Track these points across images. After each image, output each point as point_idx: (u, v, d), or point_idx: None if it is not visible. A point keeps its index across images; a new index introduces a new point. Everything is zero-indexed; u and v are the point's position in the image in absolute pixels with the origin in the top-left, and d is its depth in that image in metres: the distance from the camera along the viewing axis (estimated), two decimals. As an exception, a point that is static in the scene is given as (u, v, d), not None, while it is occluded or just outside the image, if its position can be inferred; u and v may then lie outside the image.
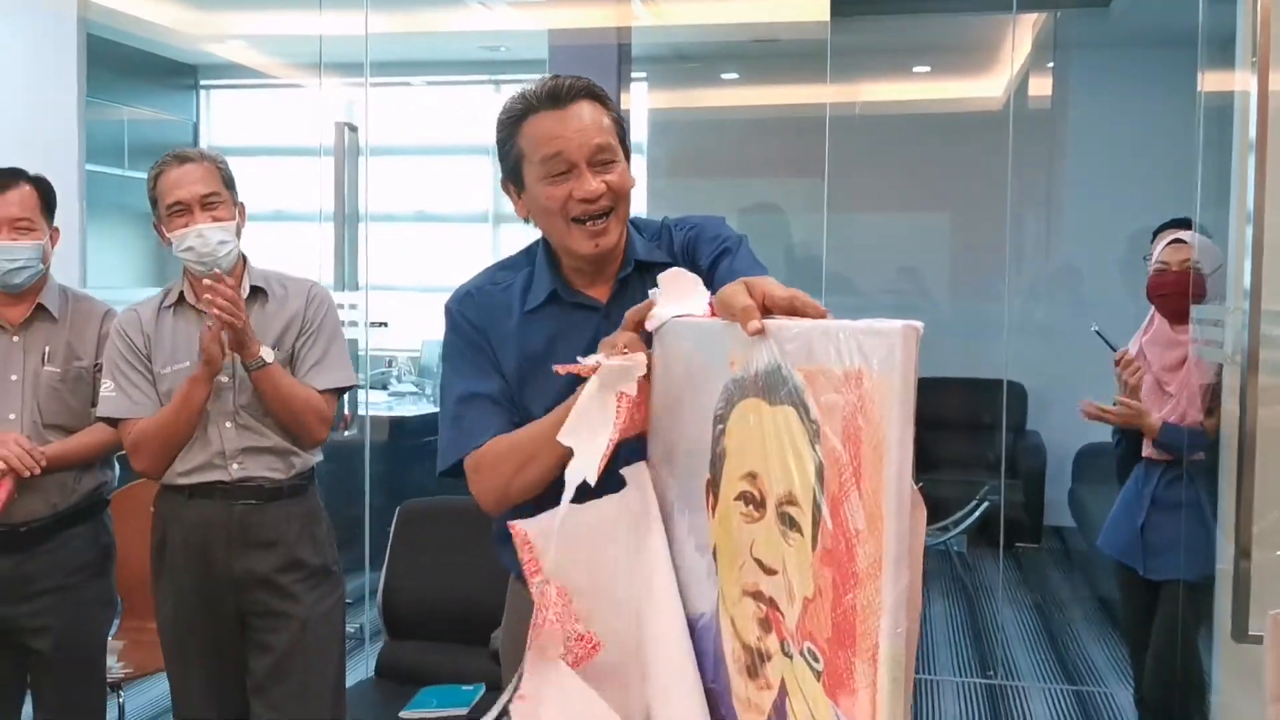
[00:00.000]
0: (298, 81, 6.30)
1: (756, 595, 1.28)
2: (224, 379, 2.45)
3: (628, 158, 1.69)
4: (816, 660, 1.18)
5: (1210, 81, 3.13)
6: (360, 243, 4.39)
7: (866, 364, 1.10)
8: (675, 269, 1.51)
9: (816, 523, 1.17)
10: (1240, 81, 2.83)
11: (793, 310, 1.26)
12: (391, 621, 3.15)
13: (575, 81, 1.65)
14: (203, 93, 6.87)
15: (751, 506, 1.28)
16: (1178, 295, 2.88)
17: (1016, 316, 5.22)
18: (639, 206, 4.80)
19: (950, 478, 5.64)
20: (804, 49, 5.05)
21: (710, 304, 1.42)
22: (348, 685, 2.68)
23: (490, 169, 6.93)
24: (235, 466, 2.45)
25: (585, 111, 1.63)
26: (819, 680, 1.17)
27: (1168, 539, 2.91)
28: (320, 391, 2.49)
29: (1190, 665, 2.88)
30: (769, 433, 1.24)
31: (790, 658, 1.22)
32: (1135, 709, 3.33)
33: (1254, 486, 2.18)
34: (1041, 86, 6.02)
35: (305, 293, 2.56)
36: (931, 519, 1.31)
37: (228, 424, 2.46)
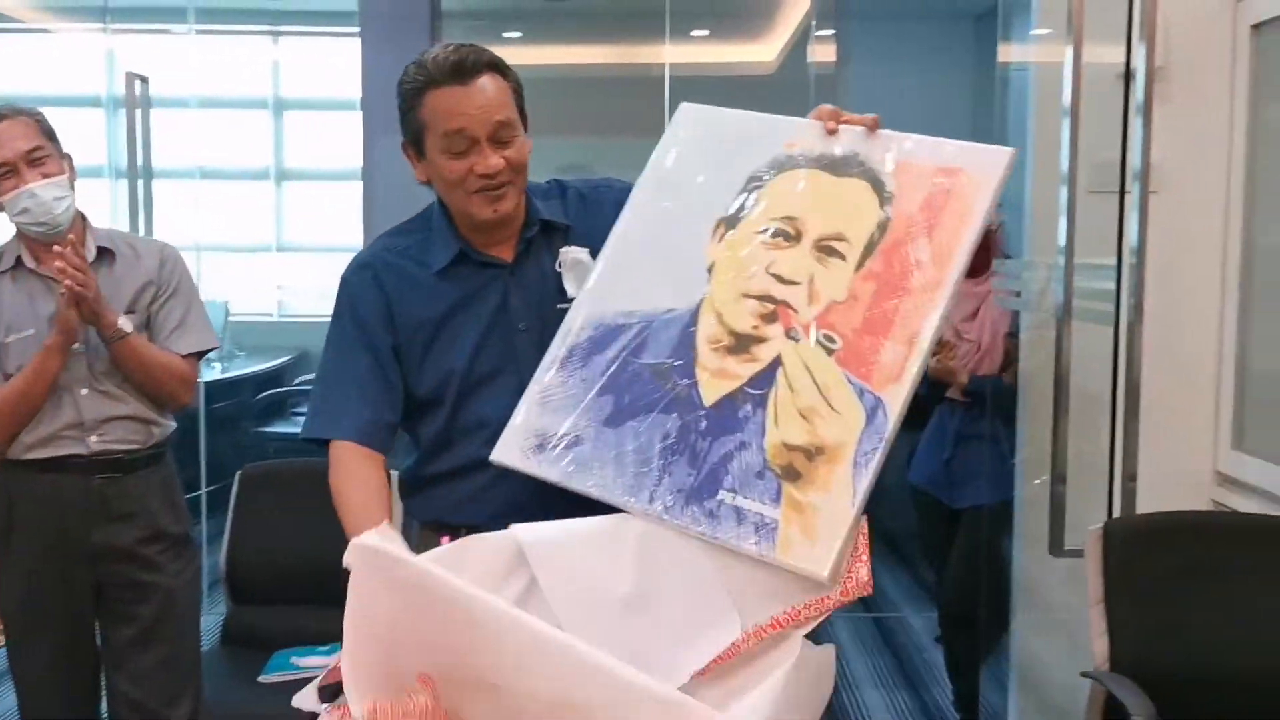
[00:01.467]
0: (54, 26, 5.88)
1: (763, 298, 1.53)
2: (76, 345, 2.35)
3: (525, 123, 1.75)
4: (833, 341, 1.47)
5: (1004, 53, 3.45)
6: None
7: (966, 165, 1.49)
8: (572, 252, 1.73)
9: (869, 253, 1.50)
10: (1041, 52, 3.12)
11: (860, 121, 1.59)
12: (236, 587, 3.09)
13: (479, 56, 1.69)
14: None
15: (781, 238, 1.55)
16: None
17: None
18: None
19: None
20: (596, 8, 5.16)
21: None
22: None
23: (270, 123, 6.69)
24: (94, 439, 2.36)
25: (488, 86, 1.68)
26: (831, 355, 1.46)
27: (969, 471, 3.24)
28: (183, 356, 2.43)
29: (993, 579, 3.23)
30: (825, 193, 1.55)
31: (796, 340, 1.49)
32: (939, 624, 3.69)
33: (1069, 421, 2.49)
34: (822, 54, 6.34)
35: (158, 254, 2.48)
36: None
37: (84, 391, 2.36)
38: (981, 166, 1.49)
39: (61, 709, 2.45)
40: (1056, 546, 2.48)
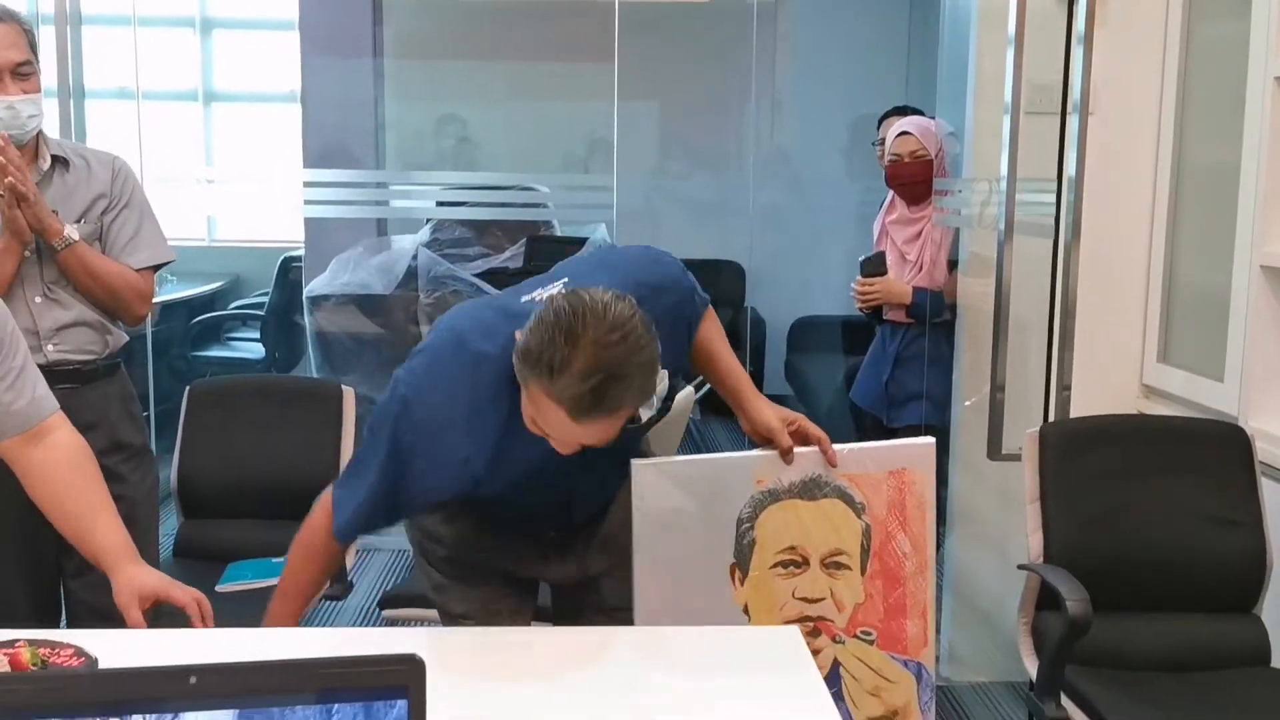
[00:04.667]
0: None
1: (802, 620, 1.87)
2: (27, 253, 2.33)
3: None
4: (869, 635, 1.90)
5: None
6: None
7: (907, 463, 1.89)
8: None
9: (866, 558, 1.87)
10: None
11: (814, 437, 1.87)
12: (186, 501, 3.10)
13: None
14: None
15: (792, 567, 1.86)
16: (913, 182, 3.27)
17: (745, 201, 5.60)
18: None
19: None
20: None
21: None
22: (148, 566, 2.65)
23: (198, 42, 6.52)
24: (50, 347, 2.35)
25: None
26: (872, 644, 1.90)
27: (907, 392, 3.34)
28: (137, 270, 2.42)
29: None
30: (810, 518, 1.86)
31: (842, 643, 1.89)
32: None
33: (1008, 334, 2.59)
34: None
35: (110, 165, 2.45)
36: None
37: (38, 299, 2.34)
38: (916, 459, 1.90)
39: (22, 615, 2.46)
40: (995, 450, 2.60)
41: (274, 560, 2.98)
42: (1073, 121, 2.57)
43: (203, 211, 6.52)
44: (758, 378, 6.24)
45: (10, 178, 2.19)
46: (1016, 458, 2.44)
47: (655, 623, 1.79)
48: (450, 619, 2.00)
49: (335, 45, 4.56)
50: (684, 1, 6.54)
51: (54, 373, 2.34)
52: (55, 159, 2.39)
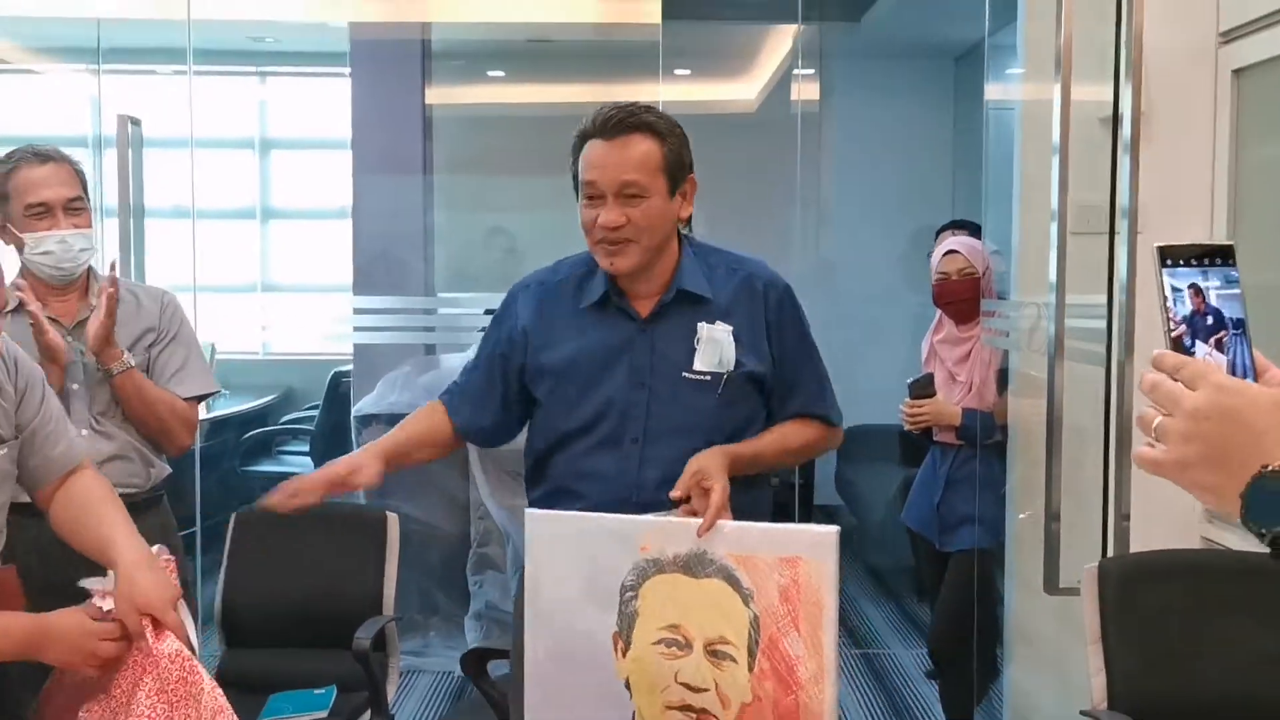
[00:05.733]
0: (40, 67, 5.89)
1: (685, 708, 1.71)
2: (75, 385, 2.36)
3: (675, 187, 1.88)
4: None
5: (990, 91, 3.51)
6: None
7: (802, 551, 1.66)
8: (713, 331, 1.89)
9: (754, 653, 1.67)
10: (1030, 91, 3.17)
11: (708, 503, 1.72)
12: (230, 630, 3.08)
13: (629, 116, 1.86)
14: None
15: (674, 648, 1.71)
16: (961, 300, 3.23)
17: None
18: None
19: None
20: (577, 49, 5.22)
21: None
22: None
23: (256, 162, 6.70)
24: (94, 480, 2.36)
25: (632, 145, 1.84)
26: None
27: (958, 515, 3.26)
28: (184, 400, 2.44)
29: (984, 618, 3.24)
30: (693, 597, 1.69)
31: None
32: (930, 662, 3.70)
33: (1061, 460, 2.52)
34: (805, 92, 6.43)
35: (159, 300, 2.51)
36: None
37: (84, 431, 2.36)
38: (814, 549, 1.67)
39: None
40: (1051, 585, 2.50)
41: (316, 692, 2.94)
42: (1121, 240, 2.52)
43: (257, 324, 6.68)
44: (807, 488, 6.14)
45: (110, 292, 2.27)
46: (1075, 592, 2.34)
47: (542, 674, 1.77)
48: None
49: (387, 162, 4.65)
50: (727, 113, 6.64)
51: (96, 508, 2.36)
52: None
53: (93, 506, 1.91)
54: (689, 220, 1.98)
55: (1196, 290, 0.91)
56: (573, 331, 1.95)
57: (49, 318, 2.33)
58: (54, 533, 2.35)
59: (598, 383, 1.89)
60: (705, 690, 1.69)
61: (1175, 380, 0.89)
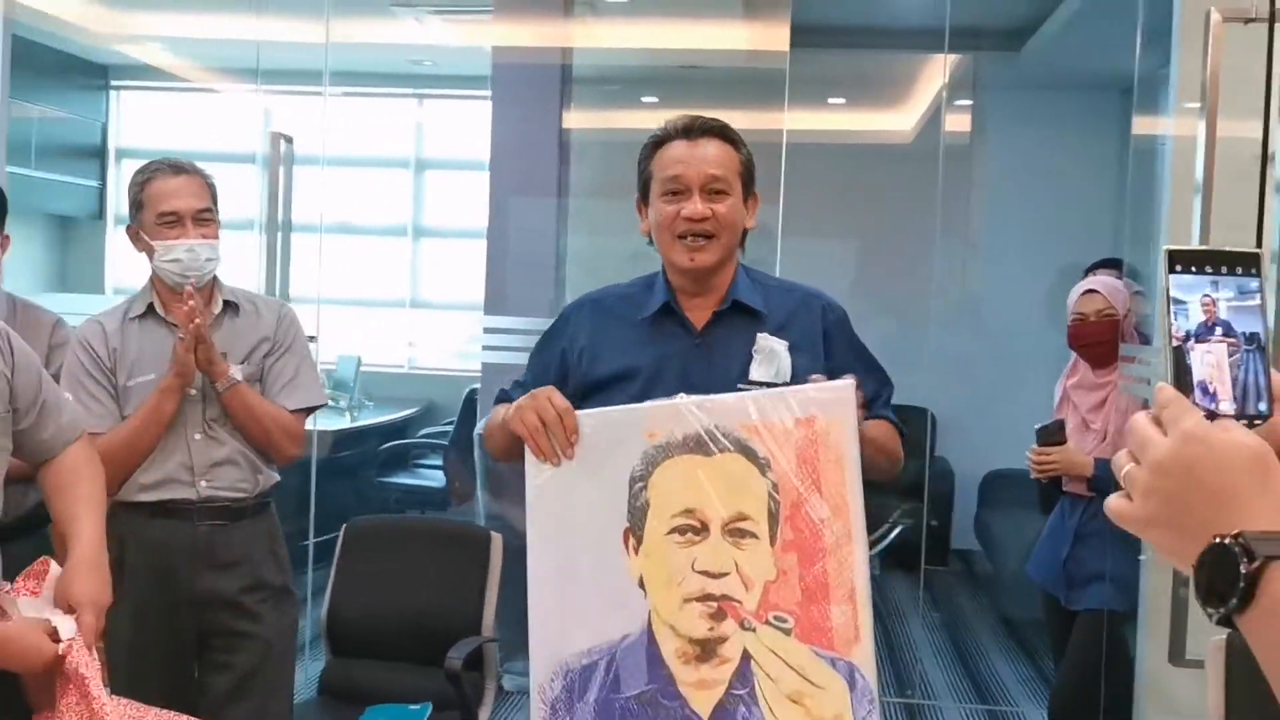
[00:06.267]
0: (212, 86, 6.19)
1: (705, 598, 1.60)
2: (192, 391, 2.43)
3: (750, 197, 1.92)
4: (784, 621, 1.57)
5: (1138, 125, 3.32)
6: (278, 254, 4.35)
7: (818, 411, 1.58)
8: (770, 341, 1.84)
9: (776, 525, 1.57)
10: (1179, 126, 2.99)
11: None
12: (335, 640, 3.12)
13: (709, 121, 1.90)
14: (113, 93, 6.69)
15: (690, 534, 1.61)
16: (1098, 343, 3.04)
17: (931, 345, 5.40)
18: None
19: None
20: (727, 76, 5.18)
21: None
22: (293, 704, 2.66)
23: (410, 181, 6.89)
24: (204, 484, 2.42)
25: (711, 145, 1.87)
26: (789, 634, 1.57)
27: (1087, 572, 3.06)
28: (291, 411, 2.49)
29: (1113, 682, 3.03)
30: (707, 476, 1.60)
31: (752, 630, 1.58)
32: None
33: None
34: (956, 124, 6.25)
35: (276, 311, 2.57)
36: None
37: (197, 436, 2.43)
38: (830, 406, 1.59)
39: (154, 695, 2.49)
40: (1177, 655, 2.32)
41: (411, 707, 2.95)
42: (1270, 285, 2.34)
43: (404, 339, 6.85)
44: (944, 529, 5.93)
45: (196, 320, 2.31)
46: (1201, 664, 2.16)
47: (549, 589, 1.67)
48: None
49: (523, 184, 4.71)
50: (880, 144, 6.50)
51: (203, 509, 2.43)
52: (227, 303, 2.51)
53: (69, 488, 1.96)
54: (744, 239, 1.96)
55: (1209, 300, 0.81)
56: (627, 344, 1.94)
57: (174, 324, 2.41)
58: (165, 536, 2.43)
59: (650, 394, 1.84)
60: (726, 574, 1.59)
61: (1159, 420, 0.77)
